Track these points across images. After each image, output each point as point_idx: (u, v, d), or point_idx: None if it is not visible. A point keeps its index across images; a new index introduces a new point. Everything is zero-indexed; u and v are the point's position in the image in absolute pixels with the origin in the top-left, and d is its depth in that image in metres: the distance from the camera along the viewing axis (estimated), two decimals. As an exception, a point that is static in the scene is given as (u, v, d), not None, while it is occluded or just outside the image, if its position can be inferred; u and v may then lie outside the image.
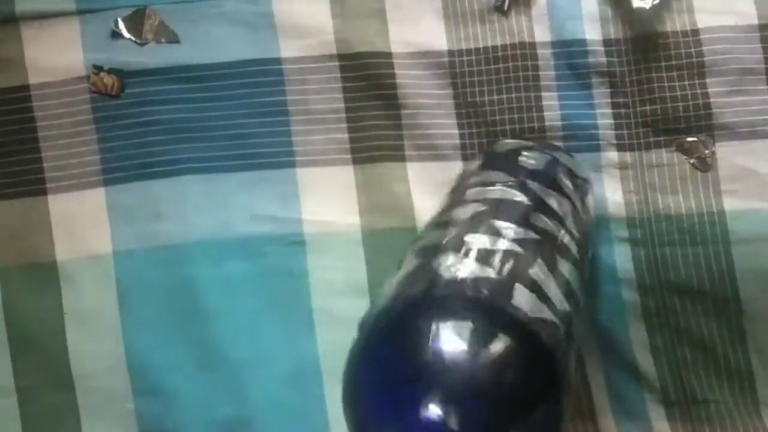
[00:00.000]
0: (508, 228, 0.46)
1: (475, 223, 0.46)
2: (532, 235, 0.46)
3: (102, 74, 0.61)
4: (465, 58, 0.61)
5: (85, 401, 0.61)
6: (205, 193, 0.61)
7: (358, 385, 0.40)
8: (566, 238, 0.49)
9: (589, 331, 0.59)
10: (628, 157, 0.60)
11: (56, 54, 0.62)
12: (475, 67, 0.61)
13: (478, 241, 0.44)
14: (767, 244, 0.58)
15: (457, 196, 0.52)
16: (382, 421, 0.38)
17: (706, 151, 0.59)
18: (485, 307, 0.40)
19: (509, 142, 0.58)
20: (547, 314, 0.42)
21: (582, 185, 0.56)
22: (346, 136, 0.61)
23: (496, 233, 0.45)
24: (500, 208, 0.48)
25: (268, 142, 0.61)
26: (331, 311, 0.60)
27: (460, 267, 0.42)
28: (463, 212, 0.48)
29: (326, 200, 0.61)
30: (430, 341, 0.38)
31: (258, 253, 0.61)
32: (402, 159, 0.61)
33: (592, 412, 0.60)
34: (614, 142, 0.60)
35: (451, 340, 0.38)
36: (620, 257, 0.60)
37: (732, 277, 0.59)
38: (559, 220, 0.49)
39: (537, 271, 0.44)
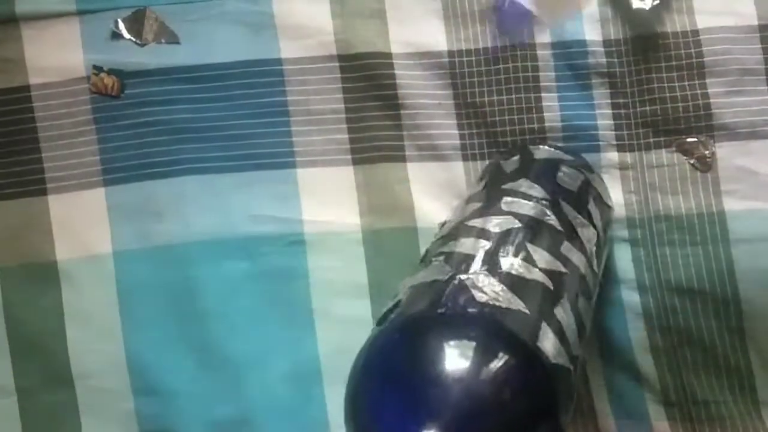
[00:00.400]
0: (541, 256, 0.46)
1: (509, 242, 0.46)
2: (561, 267, 0.46)
3: (102, 75, 0.61)
4: (465, 59, 0.61)
5: (85, 401, 0.61)
6: (205, 193, 0.61)
7: (357, 399, 0.40)
8: (588, 275, 0.49)
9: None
10: (628, 157, 0.60)
11: (56, 54, 0.62)
12: (475, 68, 0.61)
13: (510, 264, 0.44)
14: (767, 244, 0.58)
15: (493, 196, 0.52)
16: None
17: (706, 152, 0.59)
18: (513, 342, 0.40)
19: (548, 150, 0.57)
20: (565, 360, 0.42)
21: (607, 214, 0.56)
22: (346, 136, 0.61)
23: (529, 260, 0.45)
24: (534, 230, 0.48)
25: (269, 143, 0.61)
26: (331, 311, 0.60)
27: (491, 292, 0.42)
28: (498, 223, 0.48)
29: (326, 200, 0.61)
30: (453, 362, 0.38)
31: (258, 253, 0.61)
32: (402, 159, 0.61)
33: (592, 412, 0.60)
34: (614, 142, 0.60)
35: (474, 368, 0.38)
36: (620, 257, 0.60)
37: (732, 277, 0.59)
38: (586, 254, 0.49)
39: (561, 311, 0.44)
